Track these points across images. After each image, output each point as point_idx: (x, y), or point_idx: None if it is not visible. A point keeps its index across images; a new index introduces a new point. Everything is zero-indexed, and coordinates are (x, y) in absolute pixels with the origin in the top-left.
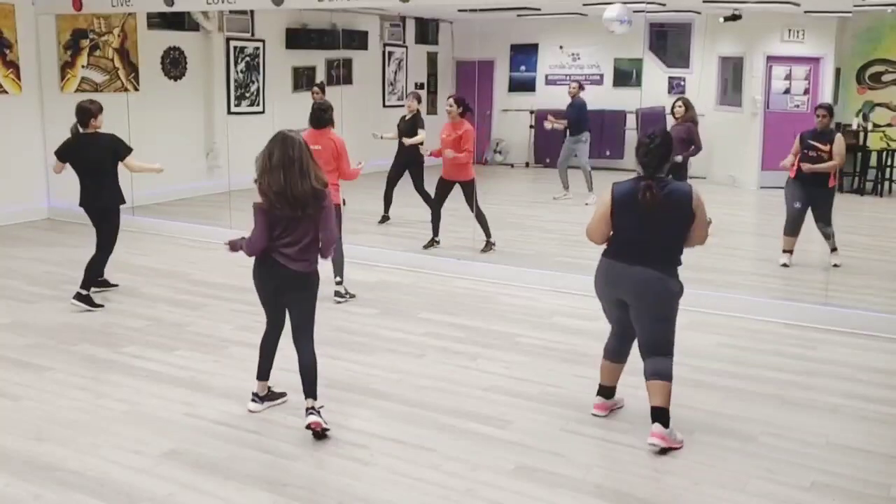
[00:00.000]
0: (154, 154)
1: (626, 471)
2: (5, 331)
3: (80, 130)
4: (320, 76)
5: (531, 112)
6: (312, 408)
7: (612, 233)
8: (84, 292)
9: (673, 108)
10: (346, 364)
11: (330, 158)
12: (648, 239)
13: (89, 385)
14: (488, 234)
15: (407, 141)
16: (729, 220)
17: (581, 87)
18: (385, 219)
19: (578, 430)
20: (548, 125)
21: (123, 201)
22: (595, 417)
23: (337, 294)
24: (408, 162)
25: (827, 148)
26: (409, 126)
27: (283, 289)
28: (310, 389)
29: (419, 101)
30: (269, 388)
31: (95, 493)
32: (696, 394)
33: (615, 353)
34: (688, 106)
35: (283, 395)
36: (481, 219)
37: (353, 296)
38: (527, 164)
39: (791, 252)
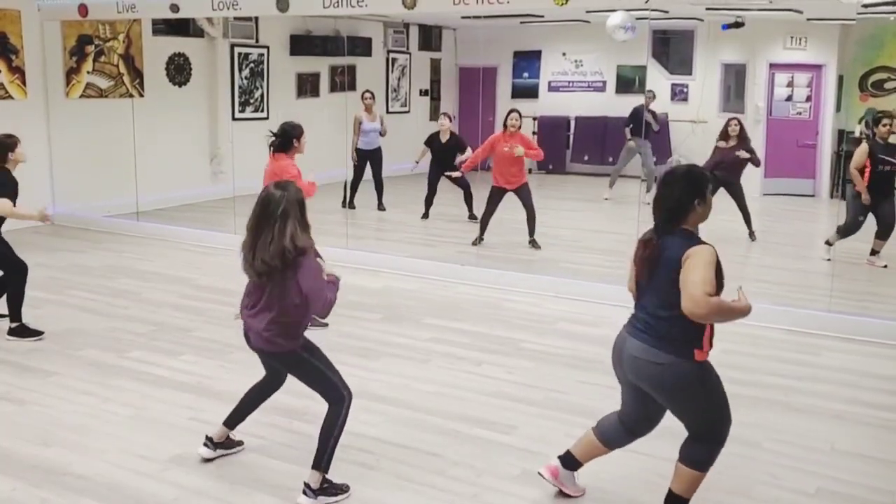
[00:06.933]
0: (158, 159)
1: (631, 476)
2: None
3: None
4: (324, 83)
5: (534, 118)
6: (307, 485)
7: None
8: (15, 325)
9: (727, 127)
10: (351, 370)
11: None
12: (641, 300)
13: (95, 390)
14: (532, 233)
15: (455, 174)
16: (731, 228)
17: (653, 97)
18: (425, 216)
19: None
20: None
21: None
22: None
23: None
24: (447, 168)
25: None
26: (452, 149)
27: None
28: (315, 457)
29: (450, 119)
30: (228, 435)
31: (102, 497)
32: None
33: (609, 438)
34: (742, 126)
35: (240, 443)
36: (533, 217)
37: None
38: (529, 171)
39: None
